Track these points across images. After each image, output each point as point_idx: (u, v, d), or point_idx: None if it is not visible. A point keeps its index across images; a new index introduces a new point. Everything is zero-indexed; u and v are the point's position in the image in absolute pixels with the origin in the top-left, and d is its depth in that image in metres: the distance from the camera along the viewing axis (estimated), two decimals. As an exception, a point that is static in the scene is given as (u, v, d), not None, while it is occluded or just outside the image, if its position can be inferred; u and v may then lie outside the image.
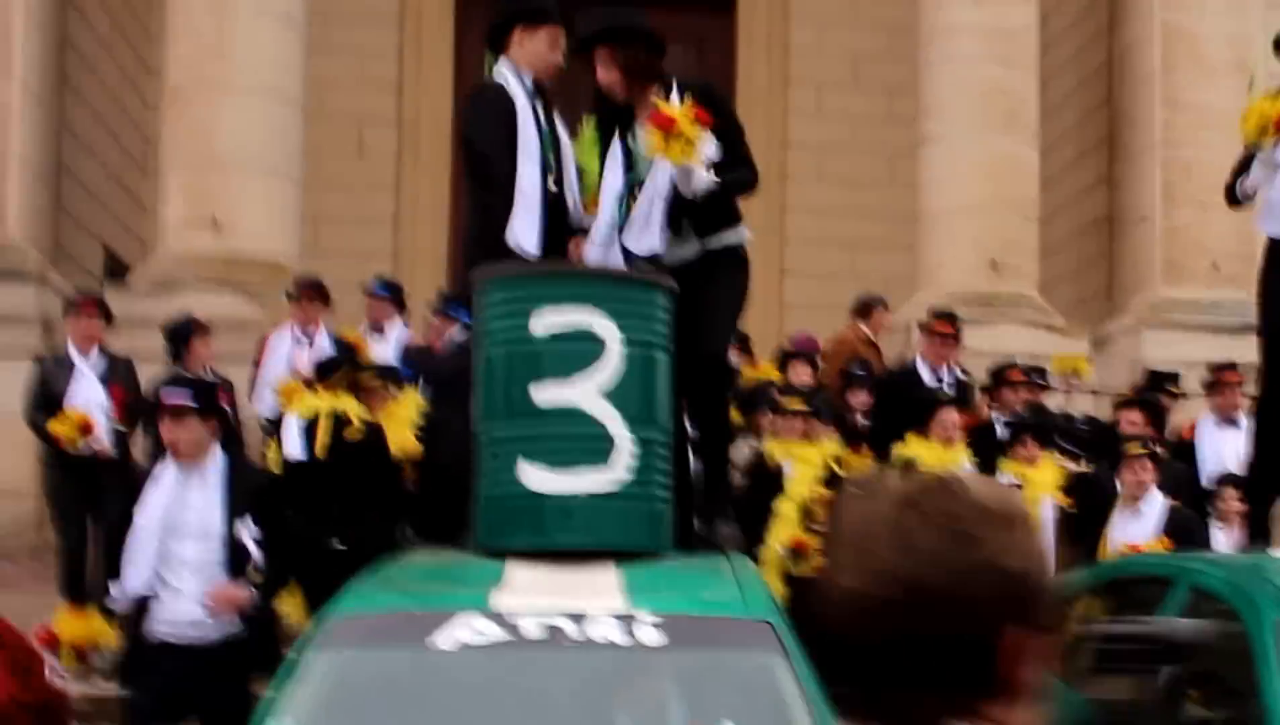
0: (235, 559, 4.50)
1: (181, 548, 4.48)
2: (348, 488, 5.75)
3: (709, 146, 3.99)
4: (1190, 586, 3.91)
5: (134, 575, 4.49)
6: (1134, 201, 10.04)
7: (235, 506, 4.55)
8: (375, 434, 5.96)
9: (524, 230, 4.13)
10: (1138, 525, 5.84)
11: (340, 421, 5.80)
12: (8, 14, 8.78)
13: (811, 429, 6.46)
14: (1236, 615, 3.64)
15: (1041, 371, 7.72)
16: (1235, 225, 9.52)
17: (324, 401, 5.88)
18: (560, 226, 4.29)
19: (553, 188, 4.28)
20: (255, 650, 4.47)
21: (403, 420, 6.22)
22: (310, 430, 5.80)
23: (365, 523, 5.68)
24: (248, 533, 4.50)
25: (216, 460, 4.63)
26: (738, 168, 4.19)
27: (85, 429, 6.45)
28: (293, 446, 5.83)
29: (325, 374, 6.09)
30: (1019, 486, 6.21)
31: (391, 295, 7.77)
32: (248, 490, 4.66)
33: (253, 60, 8.72)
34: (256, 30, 8.76)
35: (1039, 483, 6.24)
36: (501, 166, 4.16)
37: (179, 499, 4.53)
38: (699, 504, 4.27)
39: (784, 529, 6.08)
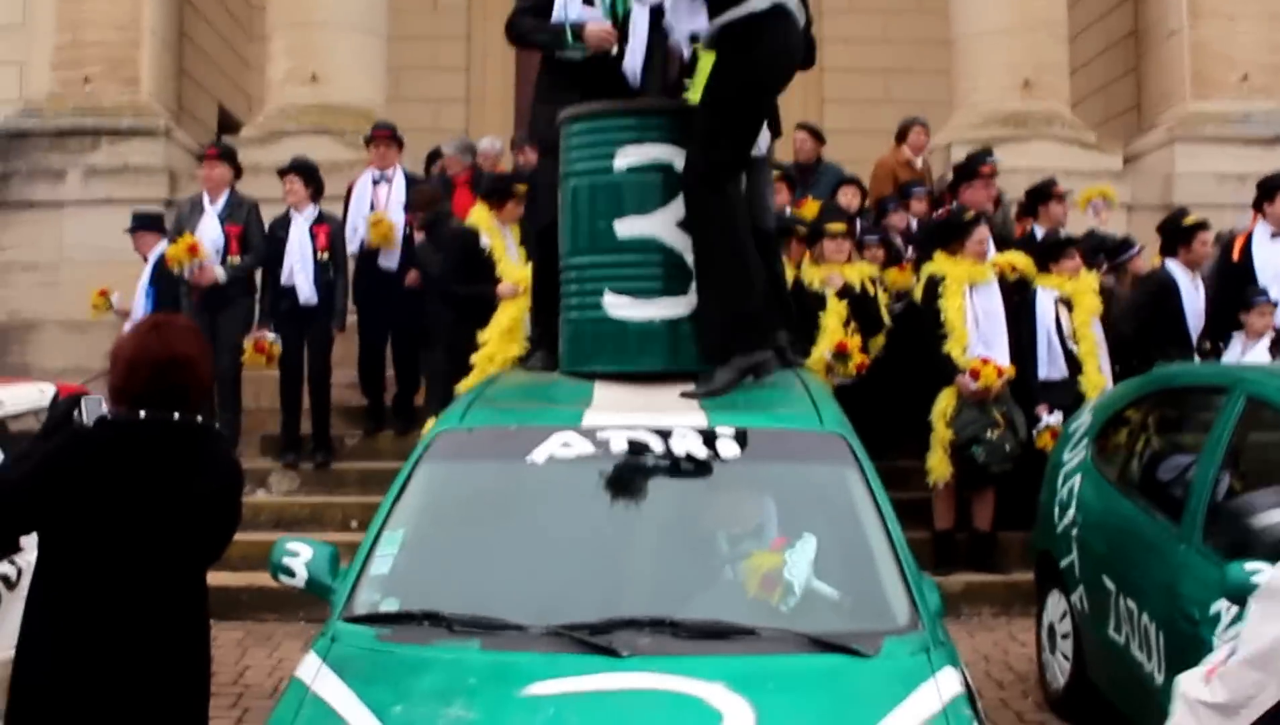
0: None
1: None
2: None
3: None
4: (1246, 396, 3.42)
5: None
6: (1161, 16, 8.98)
7: None
8: None
9: None
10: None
11: None
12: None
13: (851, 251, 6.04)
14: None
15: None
16: (1264, 36, 8.57)
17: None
18: None
19: None
20: None
21: None
22: None
23: None
24: None
25: None
26: None
27: (192, 250, 6.37)
28: None
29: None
30: (1065, 301, 5.81)
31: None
32: None
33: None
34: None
35: (1084, 299, 5.79)
36: None
37: None
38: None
39: (827, 338, 5.75)
